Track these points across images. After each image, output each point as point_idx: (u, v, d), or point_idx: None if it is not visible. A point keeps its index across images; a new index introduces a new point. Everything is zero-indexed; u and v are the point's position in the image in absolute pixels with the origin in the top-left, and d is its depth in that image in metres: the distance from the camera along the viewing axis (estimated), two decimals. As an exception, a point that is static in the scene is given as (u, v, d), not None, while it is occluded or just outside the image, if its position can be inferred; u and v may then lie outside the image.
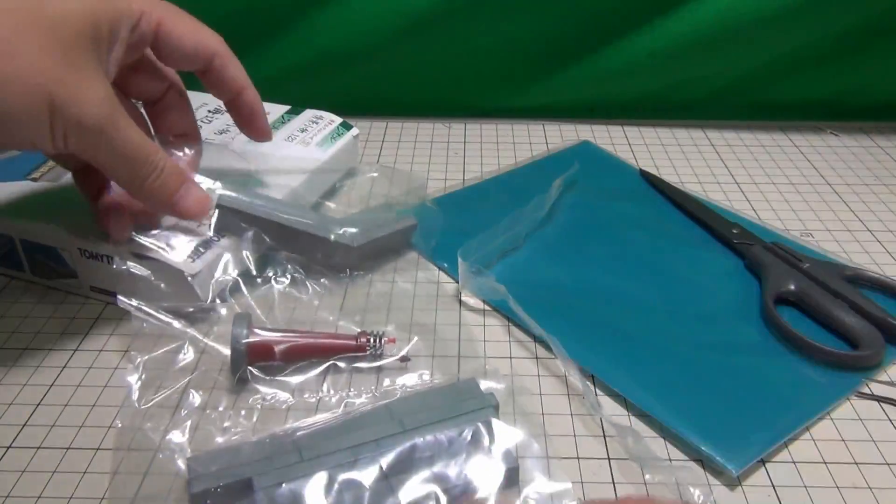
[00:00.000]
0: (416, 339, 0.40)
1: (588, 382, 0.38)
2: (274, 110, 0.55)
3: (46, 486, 0.33)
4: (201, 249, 0.41)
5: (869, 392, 0.38)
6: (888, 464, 0.34)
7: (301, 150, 0.52)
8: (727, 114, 0.68)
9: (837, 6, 0.59)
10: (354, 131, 0.55)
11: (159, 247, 0.40)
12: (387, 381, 0.38)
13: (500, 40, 0.64)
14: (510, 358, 0.40)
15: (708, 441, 0.34)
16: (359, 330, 0.40)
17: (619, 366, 0.39)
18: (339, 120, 0.56)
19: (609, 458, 0.34)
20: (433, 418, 0.33)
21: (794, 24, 0.60)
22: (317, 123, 0.55)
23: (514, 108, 0.68)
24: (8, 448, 0.35)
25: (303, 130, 0.54)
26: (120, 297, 0.39)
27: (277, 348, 0.38)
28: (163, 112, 0.43)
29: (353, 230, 0.44)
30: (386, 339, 0.39)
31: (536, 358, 0.40)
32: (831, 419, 0.37)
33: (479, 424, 0.33)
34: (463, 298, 0.44)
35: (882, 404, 0.38)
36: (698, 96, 0.68)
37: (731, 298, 0.44)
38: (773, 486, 0.33)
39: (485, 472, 0.31)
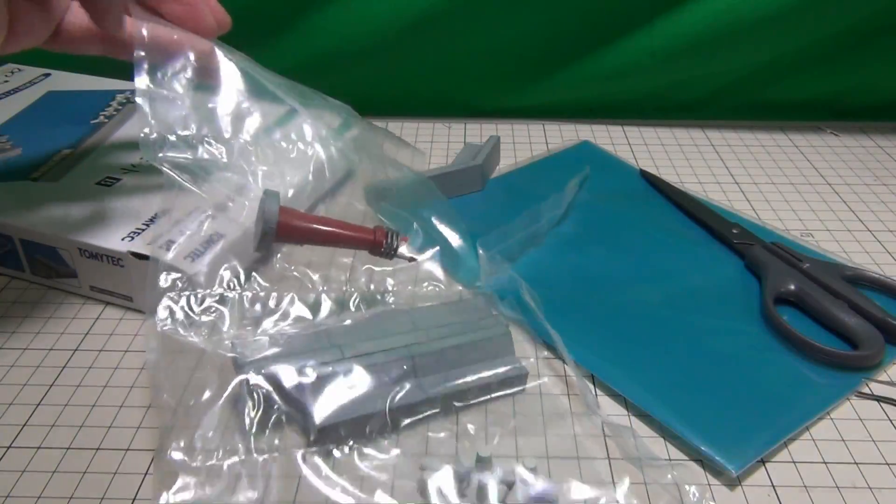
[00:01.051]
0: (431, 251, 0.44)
1: (588, 382, 0.38)
2: (274, 110, 0.55)
3: (46, 486, 0.33)
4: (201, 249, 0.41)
5: (869, 392, 0.38)
6: (888, 464, 0.34)
7: (301, 150, 0.52)
8: (727, 114, 0.68)
9: (837, 6, 0.59)
10: (354, 131, 0.55)
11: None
12: (400, 282, 0.42)
13: (500, 40, 0.64)
14: (510, 358, 0.40)
15: (708, 441, 0.34)
16: (374, 225, 0.41)
17: (619, 366, 0.39)
18: (339, 120, 0.56)
19: (609, 458, 0.34)
20: (455, 331, 0.38)
21: (794, 24, 0.60)
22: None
23: (514, 108, 0.68)
24: (8, 448, 0.35)
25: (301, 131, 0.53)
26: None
27: (303, 228, 0.39)
28: None
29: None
30: (400, 236, 0.41)
31: (537, 357, 0.40)
32: (831, 419, 0.37)
33: (495, 338, 0.38)
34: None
35: (882, 404, 0.38)
36: (698, 96, 0.68)
37: (731, 298, 0.44)
38: (773, 486, 0.33)
39: (497, 375, 0.37)
